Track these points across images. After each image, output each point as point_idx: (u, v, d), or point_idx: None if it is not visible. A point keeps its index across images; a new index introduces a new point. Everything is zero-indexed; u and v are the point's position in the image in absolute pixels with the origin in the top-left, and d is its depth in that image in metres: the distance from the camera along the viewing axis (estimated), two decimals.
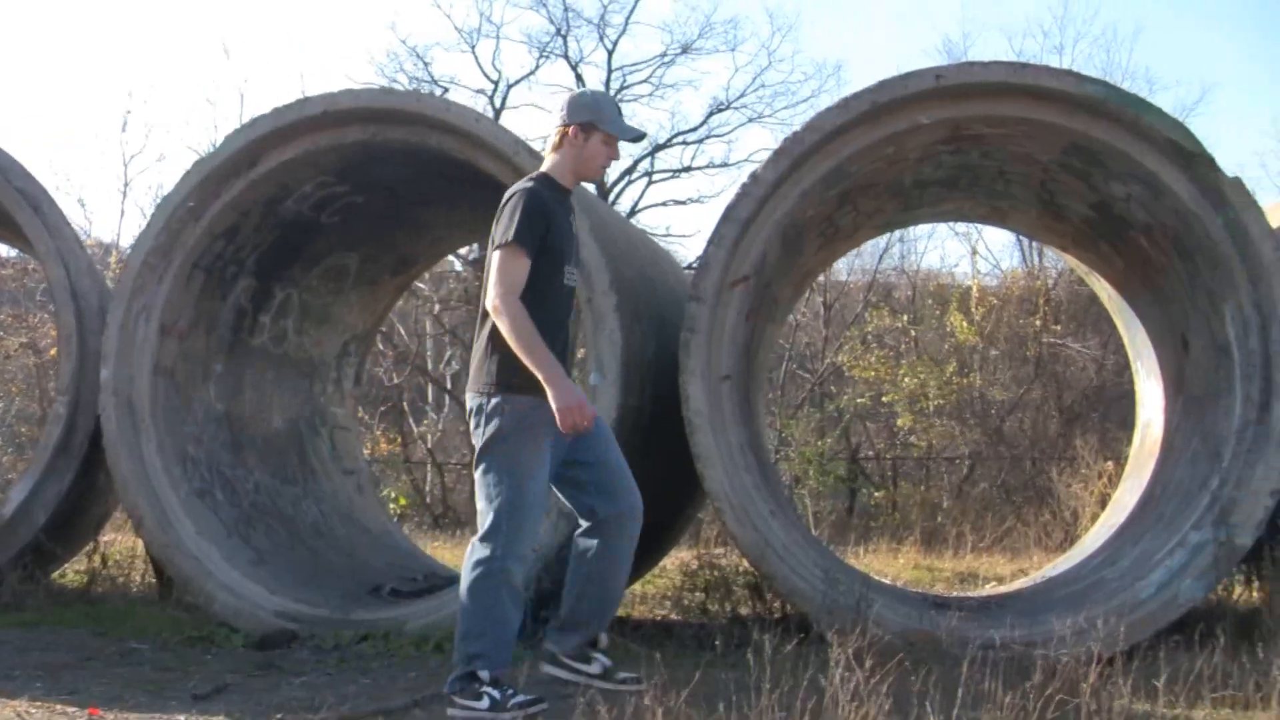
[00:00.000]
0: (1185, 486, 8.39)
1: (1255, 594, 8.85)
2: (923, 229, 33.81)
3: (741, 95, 36.59)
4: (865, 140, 8.08)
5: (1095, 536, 10.18)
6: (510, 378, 5.95)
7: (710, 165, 35.41)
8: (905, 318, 24.98)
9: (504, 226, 5.98)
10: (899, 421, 22.92)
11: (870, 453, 24.02)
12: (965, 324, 22.31)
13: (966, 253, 41.44)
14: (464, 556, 6.03)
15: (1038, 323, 22.69)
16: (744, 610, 9.24)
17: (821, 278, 24.67)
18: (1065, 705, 5.35)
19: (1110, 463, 15.89)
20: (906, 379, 22.00)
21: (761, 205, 8.00)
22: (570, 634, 6.42)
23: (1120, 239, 9.19)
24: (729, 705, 5.45)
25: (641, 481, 8.66)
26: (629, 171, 35.36)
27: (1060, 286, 23.28)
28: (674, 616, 9.66)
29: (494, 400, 5.97)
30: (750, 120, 35.78)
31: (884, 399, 22.66)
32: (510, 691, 5.86)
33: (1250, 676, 5.76)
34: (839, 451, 22.80)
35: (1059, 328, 22.99)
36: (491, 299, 5.91)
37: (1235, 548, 7.69)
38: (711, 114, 35.65)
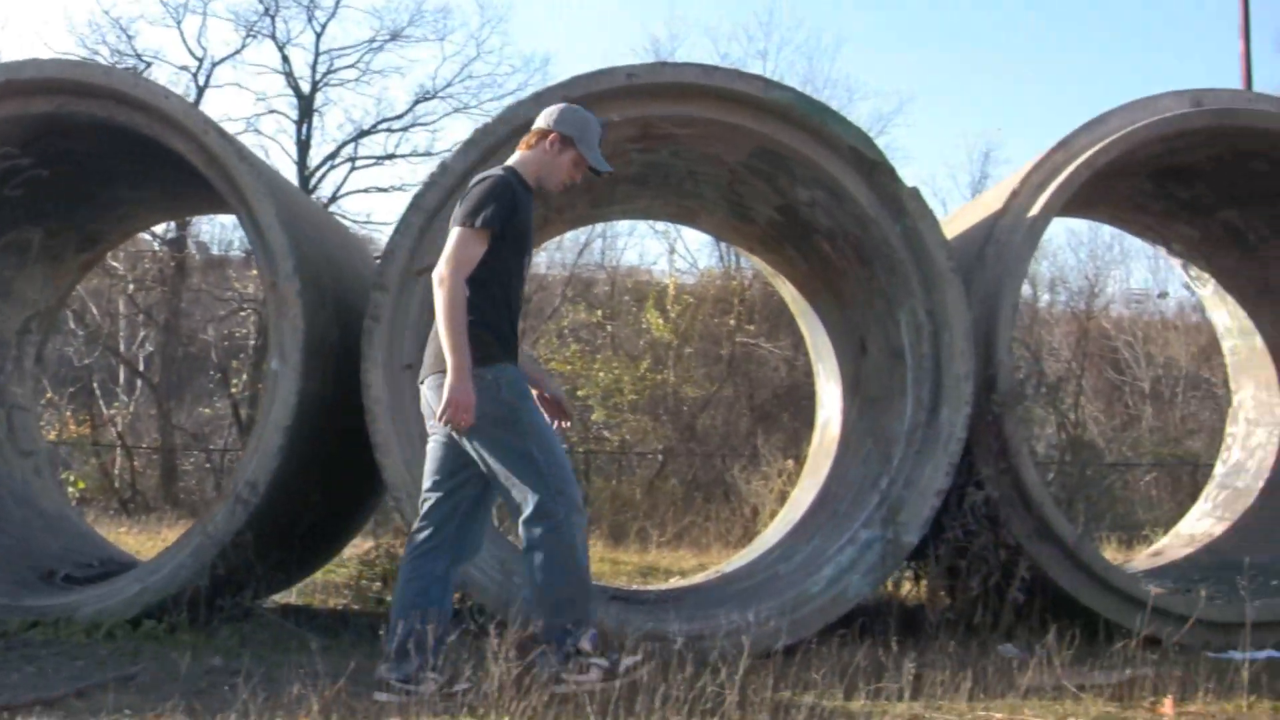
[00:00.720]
0: (858, 485, 8.63)
1: (921, 591, 9.14)
2: (624, 226, 34.14)
3: (448, 85, 36.51)
4: None
5: (773, 532, 10.40)
6: (489, 349, 5.91)
7: (414, 154, 35.24)
8: (601, 313, 25.20)
9: (469, 207, 5.92)
10: (593, 415, 23.11)
11: (565, 445, 24.13)
12: (661, 321, 22.59)
13: (665, 251, 42.09)
14: (522, 541, 5.87)
15: (732, 322, 23.14)
16: None
17: None
18: (718, 696, 5.46)
19: (791, 460, 16.28)
20: (602, 374, 22.20)
21: (450, 195, 7.91)
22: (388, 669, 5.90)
23: (804, 243, 9.40)
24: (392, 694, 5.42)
25: (322, 470, 8.59)
26: (332, 156, 34.96)
27: (755, 287, 23.74)
28: (355, 606, 9.56)
29: (485, 380, 5.85)
30: (456, 110, 35.52)
31: (579, 393, 22.81)
32: (615, 656, 5.71)
33: (904, 670, 5.94)
34: None
35: (753, 328, 23.48)
36: (440, 271, 5.83)
37: (902, 545, 7.94)
38: (417, 102, 35.43)
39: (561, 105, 6.36)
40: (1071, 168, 8.63)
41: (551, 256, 29.88)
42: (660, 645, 5.94)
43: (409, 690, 5.64)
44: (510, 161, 6.27)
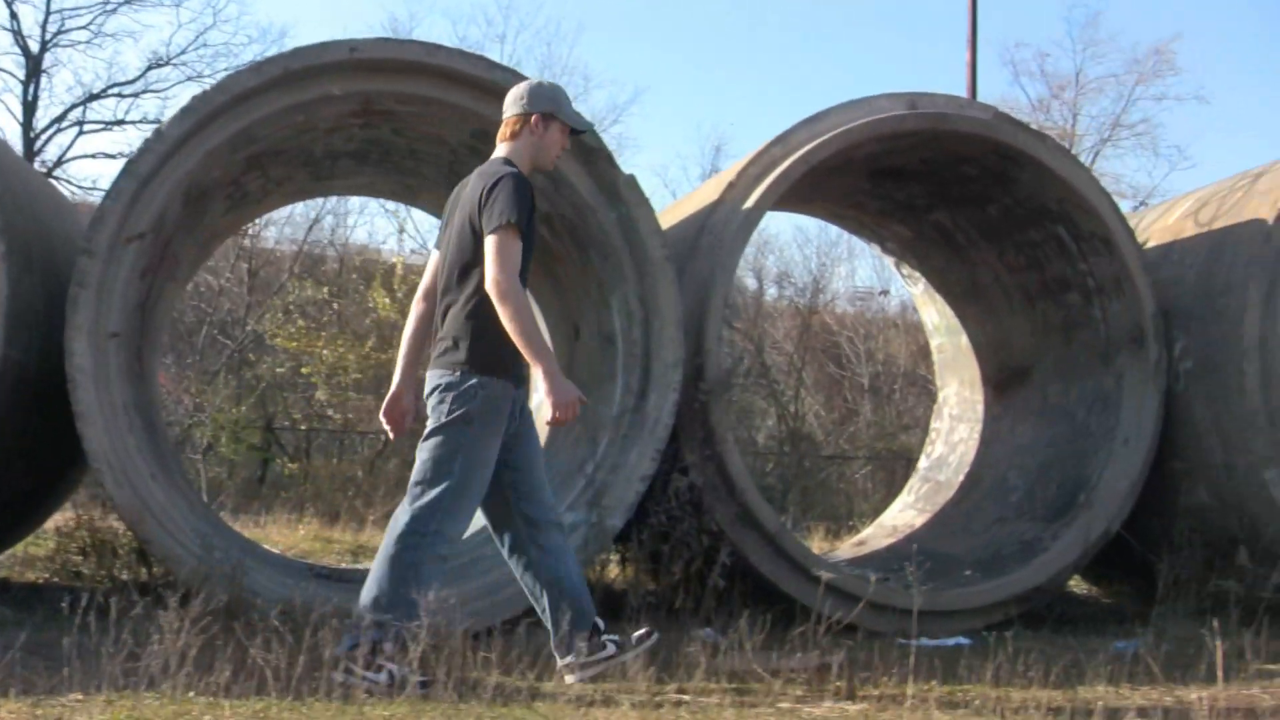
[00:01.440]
0: (565, 469, 8.69)
1: (626, 575, 9.25)
2: (355, 203, 33.86)
3: (183, 52, 35.81)
4: (276, 105, 7.96)
5: (482, 516, 10.40)
6: (491, 360, 5.88)
7: (144, 120, 34.30)
8: (328, 290, 24.96)
9: (501, 208, 5.78)
10: (317, 394, 22.85)
11: (286, 423, 23.88)
12: (388, 301, 22.37)
13: (395, 231, 42.05)
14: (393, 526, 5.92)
15: None
16: (126, 575, 9.00)
17: (248, 243, 24.36)
18: (403, 677, 5.51)
19: None
20: (326, 352, 21.95)
21: (164, 162, 7.76)
22: (573, 641, 6.07)
23: None
24: (74, 669, 5.31)
25: (25, 440, 8.37)
26: (59, 120, 33.97)
27: None
28: (55, 580, 9.33)
29: (470, 381, 5.86)
30: (189, 79, 34.76)
31: (303, 370, 22.56)
32: (406, 670, 5.59)
33: (600, 651, 6.03)
34: (254, 420, 22.55)
35: None
36: (495, 279, 5.71)
37: (606, 529, 8.05)
38: (150, 68, 34.69)
39: (526, 85, 6.31)
40: (788, 162, 8.81)
41: (281, 231, 29.49)
42: (348, 622, 5.92)
43: None
44: (501, 155, 6.20)
